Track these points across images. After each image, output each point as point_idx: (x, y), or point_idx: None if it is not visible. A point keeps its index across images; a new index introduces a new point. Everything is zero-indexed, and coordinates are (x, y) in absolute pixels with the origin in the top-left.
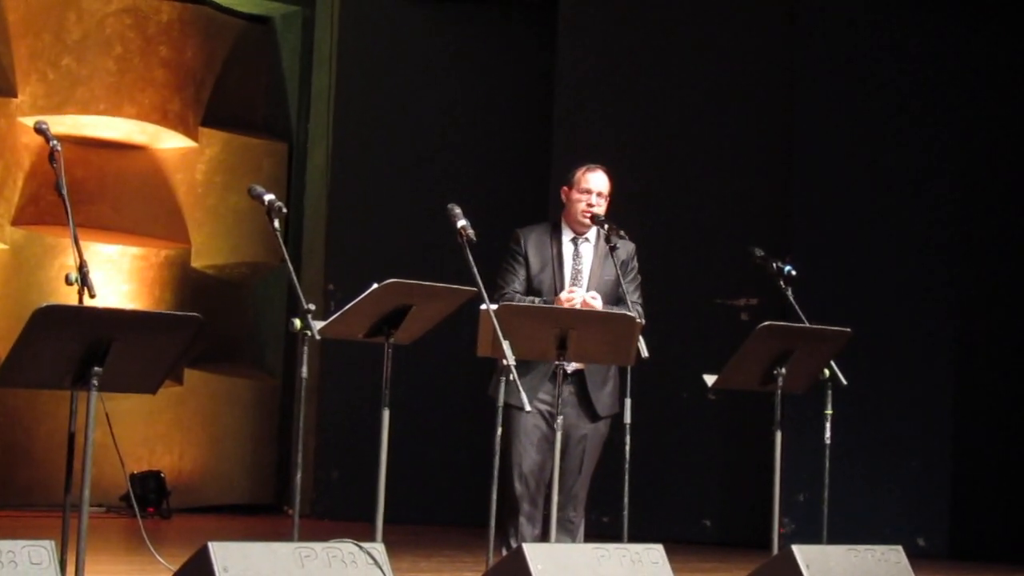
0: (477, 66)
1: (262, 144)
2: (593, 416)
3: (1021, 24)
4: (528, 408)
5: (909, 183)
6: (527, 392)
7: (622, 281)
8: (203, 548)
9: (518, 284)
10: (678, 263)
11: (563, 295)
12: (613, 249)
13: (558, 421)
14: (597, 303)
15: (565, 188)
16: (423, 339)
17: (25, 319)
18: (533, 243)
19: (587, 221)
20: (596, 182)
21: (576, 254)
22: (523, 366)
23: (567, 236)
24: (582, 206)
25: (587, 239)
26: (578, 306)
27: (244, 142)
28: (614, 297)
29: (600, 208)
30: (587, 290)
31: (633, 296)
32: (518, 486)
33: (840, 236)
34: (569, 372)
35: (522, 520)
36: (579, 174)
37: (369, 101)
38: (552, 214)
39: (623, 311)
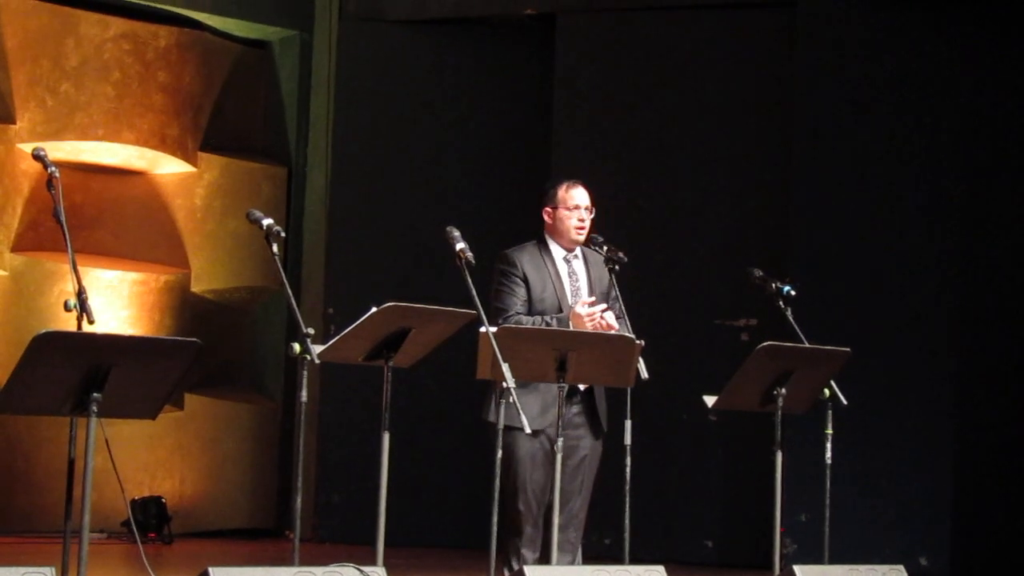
0: (475, 88)
1: (261, 169)
2: (597, 433)
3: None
4: (528, 430)
5: (908, 203)
6: (539, 414)
7: (619, 300)
8: (204, 573)
9: (520, 305)
10: (677, 284)
11: (581, 309)
12: (612, 271)
13: (558, 443)
14: (613, 320)
15: (548, 208)
16: (423, 362)
17: (24, 345)
18: (528, 263)
19: (581, 238)
20: (582, 197)
21: (571, 272)
22: (531, 387)
23: (559, 254)
24: (573, 223)
25: (576, 255)
26: (598, 318)
27: (243, 167)
28: None
29: (589, 222)
30: None
31: (622, 310)
32: (522, 508)
33: (839, 256)
34: (582, 389)
35: (524, 542)
36: (562, 192)
37: (368, 124)
38: (542, 231)
39: (622, 332)
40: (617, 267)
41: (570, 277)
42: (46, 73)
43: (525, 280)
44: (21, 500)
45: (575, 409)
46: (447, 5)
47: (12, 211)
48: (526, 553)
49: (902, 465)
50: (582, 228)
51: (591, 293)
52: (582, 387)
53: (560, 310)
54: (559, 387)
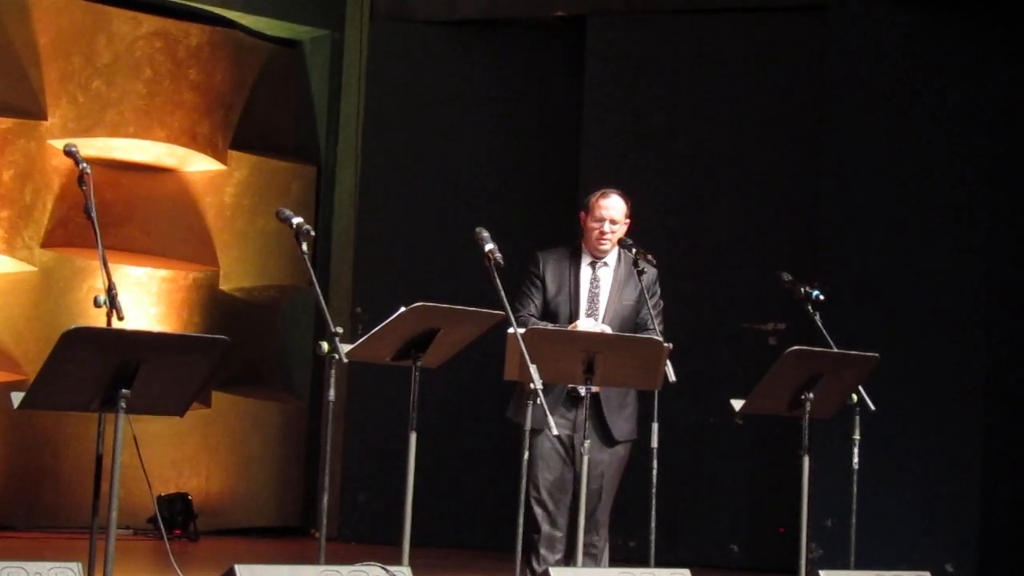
0: (505, 90)
1: (291, 167)
2: (609, 441)
3: None
4: (555, 431)
5: (938, 208)
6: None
7: (647, 305)
8: (230, 570)
9: (533, 308)
10: (706, 287)
11: (580, 322)
12: (641, 273)
13: (585, 445)
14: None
15: (583, 213)
16: (450, 362)
17: (54, 341)
18: (551, 267)
19: (604, 248)
20: (609, 209)
21: (594, 279)
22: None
23: (586, 260)
24: (595, 234)
25: (606, 263)
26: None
27: (273, 165)
28: (632, 324)
29: (614, 235)
30: (603, 315)
31: (655, 322)
32: (537, 509)
33: (868, 261)
34: (582, 395)
35: (543, 542)
36: (593, 200)
37: (398, 124)
38: (577, 235)
39: (650, 335)
40: (644, 271)
41: (591, 283)
42: (78, 70)
43: (544, 283)
44: (49, 496)
45: (583, 414)
46: (478, 6)
47: (43, 207)
48: (545, 553)
49: (929, 471)
50: (603, 239)
51: (609, 302)
52: (582, 391)
53: (572, 314)
54: (571, 389)
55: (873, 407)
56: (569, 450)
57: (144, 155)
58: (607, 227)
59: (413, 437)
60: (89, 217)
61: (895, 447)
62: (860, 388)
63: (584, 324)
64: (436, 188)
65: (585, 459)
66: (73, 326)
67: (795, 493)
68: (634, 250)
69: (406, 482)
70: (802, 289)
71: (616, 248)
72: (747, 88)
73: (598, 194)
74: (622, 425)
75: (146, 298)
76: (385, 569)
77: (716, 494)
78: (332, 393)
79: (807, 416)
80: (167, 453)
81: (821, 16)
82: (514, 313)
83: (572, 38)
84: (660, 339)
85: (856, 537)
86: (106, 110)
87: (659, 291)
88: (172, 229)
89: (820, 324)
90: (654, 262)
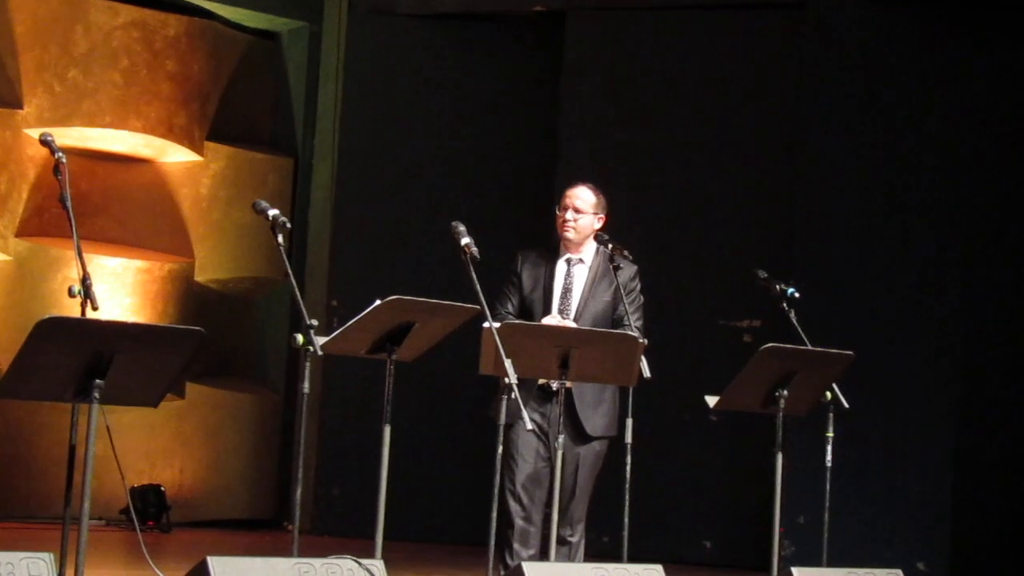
0: (484, 84)
1: (267, 159)
2: (584, 437)
3: None
4: (530, 426)
5: (913, 206)
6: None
7: (624, 302)
8: (202, 562)
9: (511, 307)
10: (681, 284)
11: (548, 318)
12: (616, 269)
13: (560, 440)
14: None
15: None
16: (426, 356)
17: (28, 331)
18: (528, 264)
19: (568, 236)
20: (572, 197)
21: (568, 275)
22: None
23: (563, 257)
24: (560, 222)
25: (582, 260)
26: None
27: (249, 157)
28: (607, 320)
29: (577, 223)
30: (575, 312)
31: (633, 318)
32: (512, 503)
33: (843, 259)
34: (554, 389)
35: (516, 536)
36: (563, 191)
37: (375, 117)
38: (555, 234)
39: (625, 331)
40: (620, 267)
41: (565, 280)
42: (54, 59)
43: (520, 280)
44: (21, 486)
45: (556, 410)
46: (457, 0)
47: (18, 196)
48: (518, 548)
49: (902, 469)
50: (567, 227)
51: (583, 298)
52: (555, 386)
53: (545, 311)
54: (542, 384)
55: (847, 405)
56: (545, 445)
57: (120, 145)
58: (570, 215)
59: (387, 431)
60: (64, 207)
61: (868, 445)
62: (834, 386)
63: (551, 321)
64: (413, 181)
65: (559, 454)
66: (47, 316)
67: (768, 490)
68: (610, 245)
69: (380, 476)
70: (777, 286)
71: (594, 245)
72: (724, 84)
73: (568, 185)
74: (597, 421)
75: (121, 289)
76: (358, 562)
77: (690, 490)
78: (307, 386)
79: (781, 413)
80: (140, 444)
81: (799, 13)
82: (493, 311)
83: (551, 32)
84: (635, 335)
85: (829, 534)
86: (83, 100)
87: (638, 287)
88: (148, 220)
89: (795, 321)
90: (631, 258)
